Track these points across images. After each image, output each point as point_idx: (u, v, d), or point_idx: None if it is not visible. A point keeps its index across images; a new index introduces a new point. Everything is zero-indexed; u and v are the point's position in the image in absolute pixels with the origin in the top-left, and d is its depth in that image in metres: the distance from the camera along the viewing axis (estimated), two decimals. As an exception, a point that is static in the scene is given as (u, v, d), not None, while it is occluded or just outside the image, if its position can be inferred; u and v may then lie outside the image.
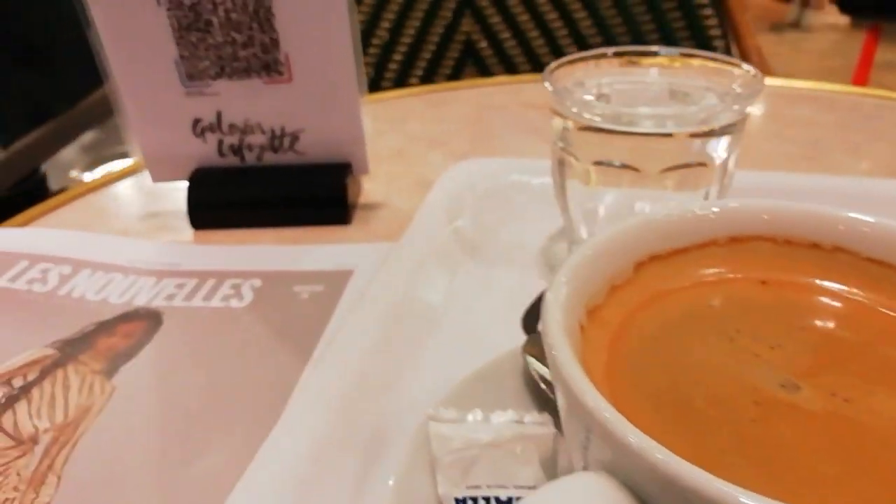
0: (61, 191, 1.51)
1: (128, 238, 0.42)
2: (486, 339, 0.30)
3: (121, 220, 0.45)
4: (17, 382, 0.31)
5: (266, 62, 0.40)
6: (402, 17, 0.92)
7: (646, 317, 0.20)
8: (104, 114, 1.34)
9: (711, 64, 0.36)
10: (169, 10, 0.39)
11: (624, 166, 0.32)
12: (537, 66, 0.96)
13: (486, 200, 0.41)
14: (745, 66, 0.34)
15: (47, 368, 0.31)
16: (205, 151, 0.43)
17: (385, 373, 0.29)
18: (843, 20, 3.42)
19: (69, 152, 1.44)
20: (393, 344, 0.30)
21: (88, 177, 1.51)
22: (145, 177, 0.45)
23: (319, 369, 0.28)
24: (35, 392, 0.30)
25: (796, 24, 3.42)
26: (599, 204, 0.34)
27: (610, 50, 0.36)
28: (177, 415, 0.29)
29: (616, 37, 0.96)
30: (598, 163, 0.32)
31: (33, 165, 1.19)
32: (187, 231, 0.43)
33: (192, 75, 0.41)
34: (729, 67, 0.34)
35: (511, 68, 0.97)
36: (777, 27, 3.35)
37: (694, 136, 0.31)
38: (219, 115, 0.42)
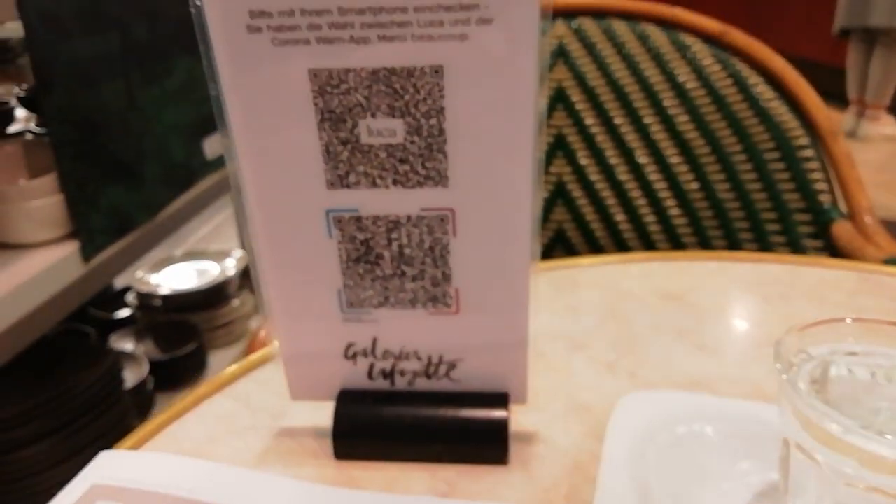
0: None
1: (272, 476, 0.38)
2: None
3: (253, 437, 0.42)
4: None
5: (434, 295, 0.37)
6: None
7: None
8: (179, 221, 1.34)
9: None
10: (340, 243, 0.36)
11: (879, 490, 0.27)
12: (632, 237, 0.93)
13: (670, 456, 0.37)
14: None
15: None
16: (353, 373, 0.40)
17: None
18: (900, 132, 3.39)
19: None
20: None
21: (155, 278, 1.50)
22: (276, 375, 0.42)
23: None
24: None
25: (852, 134, 3.39)
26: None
27: (848, 318, 0.33)
28: None
29: (713, 182, 0.94)
30: (847, 483, 0.28)
31: (111, 277, 1.19)
32: (329, 460, 0.40)
33: (353, 303, 0.38)
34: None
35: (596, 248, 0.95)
36: (833, 137, 3.33)
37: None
38: (374, 341, 0.39)
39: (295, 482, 0.38)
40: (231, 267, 1.51)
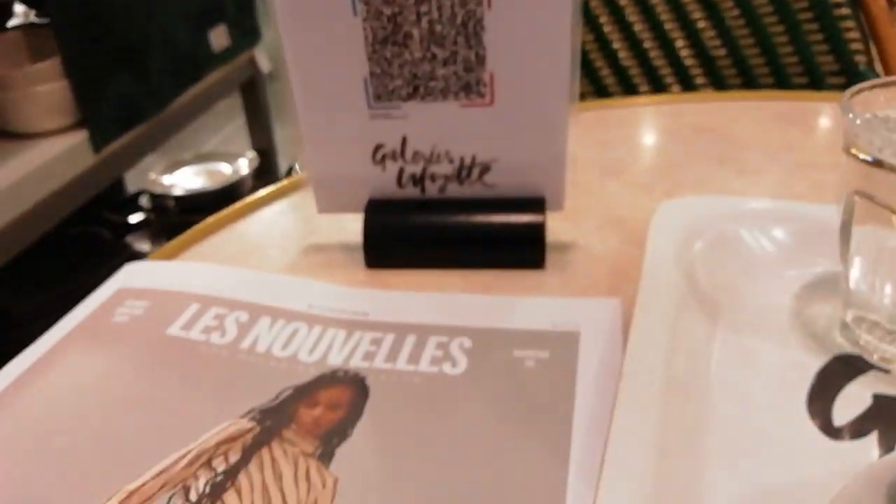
0: (139, 193, 1.48)
1: (302, 280, 0.37)
2: (771, 429, 0.26)
3: (281, 253, 0.41)
4: (219, 465, 0.26)
5: (467, 82, 0.35)
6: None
7: None
8: (189, 117, 1.31)
9: None
10: (365, 20, 0.34)
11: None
12: (654, 80, 0.90)
13: (718, 250, 0.35)
14: None
15: (250, 448, 0.26)
16: (382, 181, 0.38)
17: (682, 481, 0.23)
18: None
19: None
20: (676, 444, 0.25)
21: (168, 180, 1.49)
22: (303, 201, 0.40)
23: (607, 480, 0.23)
24: (243, 480, 0.25)
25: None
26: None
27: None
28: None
29: (742, 48, 0.89)
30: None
31: (121, 171, 1.17)
32: (359, 270, 0.38)
33: (381, 95, 0.36)
34: None
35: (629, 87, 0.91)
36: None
37: None
38: (404, 141, 0.37)
39: (326, 284, 0.36)
40: (244, 167, 1.49)
